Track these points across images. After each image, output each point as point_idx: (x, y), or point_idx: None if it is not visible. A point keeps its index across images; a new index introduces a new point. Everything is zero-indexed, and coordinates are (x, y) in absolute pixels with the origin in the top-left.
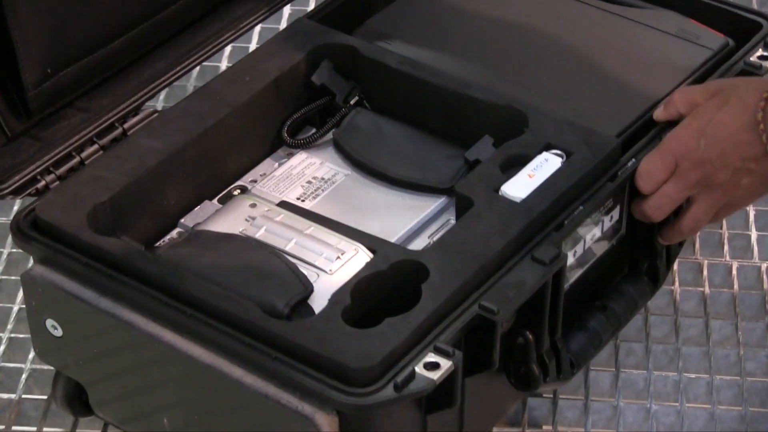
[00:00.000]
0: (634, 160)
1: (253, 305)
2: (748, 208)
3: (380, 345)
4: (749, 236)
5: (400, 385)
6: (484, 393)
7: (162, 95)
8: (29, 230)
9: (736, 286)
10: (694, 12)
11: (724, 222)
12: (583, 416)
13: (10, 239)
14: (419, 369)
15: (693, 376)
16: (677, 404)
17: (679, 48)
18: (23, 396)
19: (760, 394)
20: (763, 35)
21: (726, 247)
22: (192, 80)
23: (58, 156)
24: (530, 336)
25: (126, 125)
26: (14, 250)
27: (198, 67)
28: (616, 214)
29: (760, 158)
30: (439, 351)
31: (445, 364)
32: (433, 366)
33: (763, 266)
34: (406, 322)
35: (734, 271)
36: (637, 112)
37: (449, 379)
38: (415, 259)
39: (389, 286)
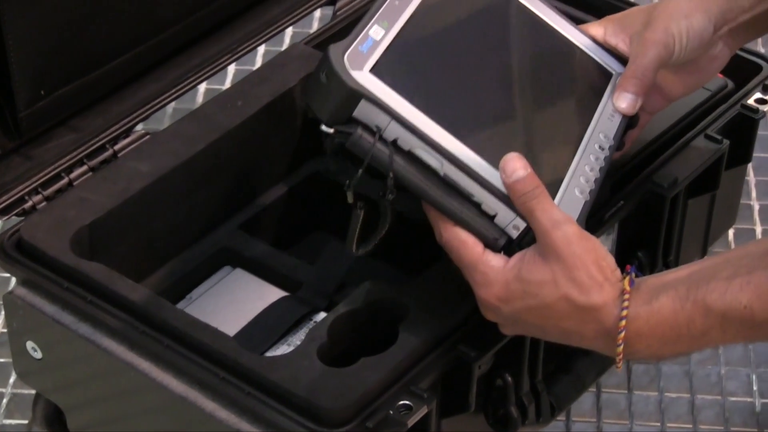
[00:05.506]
0: (622, 202)
1: (229, 338)
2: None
3: (354, 385)
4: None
5: (371, 428)
6: None
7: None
8: (13, 251)
9: None
10: None
11: None
12: None
13: None
14: (392, 412)
15: (674, 395)
16: (658, 424)
17: None
18: (4, 421)
19: (741, 413)
20: (762, 78)
21: None
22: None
23: (47, 176)
24: (509, 378)
25: (116, 147)
26: None
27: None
28: None
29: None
30: (413, 394)
31: (419, 407)
32: (406, 409)
33: None
34: (381, 362)
35: None
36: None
37: (422, 421)
38: (395, 298)
39: (367, 323)
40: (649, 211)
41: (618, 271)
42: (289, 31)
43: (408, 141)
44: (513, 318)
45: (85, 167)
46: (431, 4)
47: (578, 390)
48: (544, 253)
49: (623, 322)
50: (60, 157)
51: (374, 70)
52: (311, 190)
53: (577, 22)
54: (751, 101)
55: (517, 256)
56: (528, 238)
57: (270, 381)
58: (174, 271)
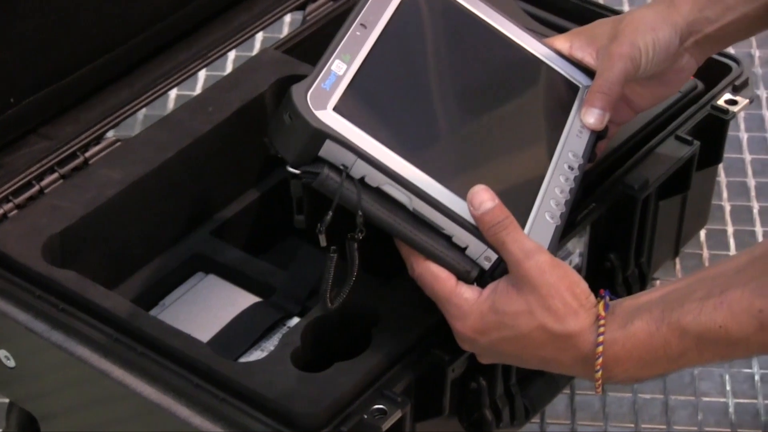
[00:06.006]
0: (594, 204)
1: (202, 344)
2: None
3: (328, 390)
4: (701, 254)
5: None
6: None
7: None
8: None
9: None
10: None
11: None
12: None
13: None
14: (366, 416)
15: (648, 396)
16: (633, 425)
17: None
18: None
19: (715, 413)
20: (731, 79)
21: (678, 266)
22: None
23: (18, 184)
24: (483, 381)
25: (87, 154)
26: None
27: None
28: (575, 258)
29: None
30: (387, 398)
31: (393, 411)
32: (381, 413)
33: None
34: (355, 367)
35: None
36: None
37: (397, 425)
38: (368, 302)
39: (341, 328)
40: (621, 213)
41: (592, 296)
42: (260, 36)
43: (375, 178)
44: (490, 348)
45: (56, 174)
46: (393, 33)
47: (552, 392)
48: (517, 283)
49: (600, 348)
50: (31, 165)
51: (338, 108)
52: (283, 196)
53: (551, 27)
54: (721, 102)
55: (490, 287)
56: (500, 269)
57: (244, 387)
58: (147, 278)
